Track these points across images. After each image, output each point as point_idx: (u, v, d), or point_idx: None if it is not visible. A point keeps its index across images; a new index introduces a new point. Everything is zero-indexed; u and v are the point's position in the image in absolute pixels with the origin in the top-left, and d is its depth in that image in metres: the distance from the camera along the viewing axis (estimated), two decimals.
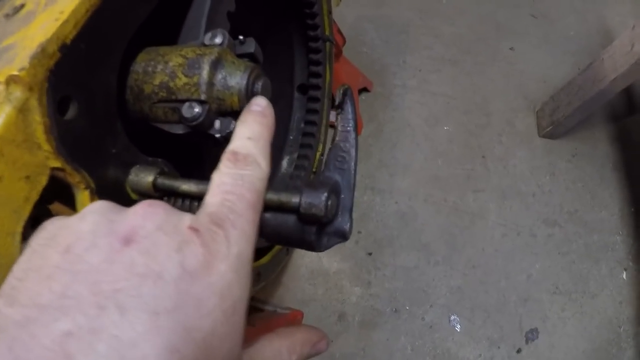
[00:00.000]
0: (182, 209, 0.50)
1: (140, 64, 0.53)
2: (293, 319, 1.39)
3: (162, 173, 0.52)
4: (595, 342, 1.60)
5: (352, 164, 0.49)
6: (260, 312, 1.37)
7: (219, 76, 0.50)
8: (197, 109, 0.49)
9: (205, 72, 0.49)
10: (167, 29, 0.59)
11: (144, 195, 0.52)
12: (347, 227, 0.47)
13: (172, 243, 0.32)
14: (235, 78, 0.50)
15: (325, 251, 0.49)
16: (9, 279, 0.32)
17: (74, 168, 0.44)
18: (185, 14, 0.60)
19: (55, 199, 0.46)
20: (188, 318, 0.30)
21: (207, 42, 0.53)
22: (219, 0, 0.62)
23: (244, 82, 0.50)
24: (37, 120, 0.40)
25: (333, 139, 0.52)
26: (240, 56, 0.55)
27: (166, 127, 0.53)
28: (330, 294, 1.63)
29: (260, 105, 0.47)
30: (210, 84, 0.49)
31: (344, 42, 1.84)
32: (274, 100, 0.51)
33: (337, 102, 0.52)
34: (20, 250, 0.40)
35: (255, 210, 0.39)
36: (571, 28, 2.38)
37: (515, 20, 2.38)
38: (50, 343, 0.27)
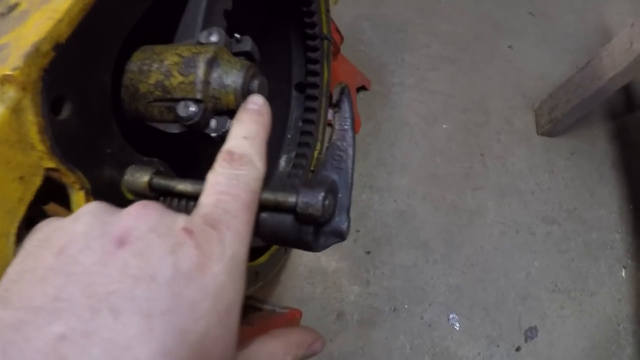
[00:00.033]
0: (178, 209, 0.50)
1: (135, 62, 0.53)
2: (292, 318, 1.39)
3: (157, 173, 0.51)
4: (595, 339, 1.60)
5: (350, 162, 0.49)
6: (259, 312, 1.37)
7: (215, 75, 0.49)
8: (192, 108, 0.48)
9: (201, 71, 0.49)
10: (163, 27, 0.58)
11: (140, 195, 0.52)
12: (344, 226, 0.46)
13: (166, 245, 0.32)
14: (231, 77, 0.49)
15: (324, 250, 0.49)
16: (3, 281, 0.32)
17: (69, 168, 0.44)
18: (181, 12, 0.60)
19: (50, 199, 0.46)
20: (182, 320, 0.30)
21: (203, 40, 0.53)
22: None
23: (240, 80, 0.49)
24: (31, 120, 0.40)
25: (330, 138, 0.51)
26: (236, 54, 0.54)
27: (162, 127, 0.53)
28: (329, 292, 1.62)
29: (256, 103, 0.47)
30: (206, 82, 0.49)
31: (342, 40, 1.84)
32: (271, 99, 0.50)
33: (334, 101, 0.52)
34: (15, 252, 0.40)
35: (251, 210, 0.38)
36: (570, 26, 2.38)
37: (514, 18, 2.38)
38: (44, 346, 0.27)
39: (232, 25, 0.63)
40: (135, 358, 0.27)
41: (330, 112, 0.56)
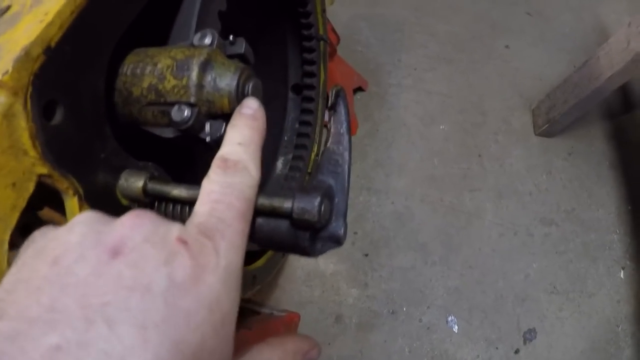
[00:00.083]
0: (173, 214, 0.50)
1: (128, 66, 0.52)
2: (289, 322, 1.39)
3: (152, 178, 0.51)
4: (594, 341, 1.60)
5: (346, 167, 0.48)
6: (257, 315, 1.36)
7: (209, 78, 0.49)
8: (186, 112, 0.48)
9: (194, 74, 0.48)
10: (156, 29, 0.58)
11: (134, 200, 0.51)
12: (341, 232, 0.46)
13: (160, 255, 0.32)
14: (225, 80, 0.49)
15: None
16: None
17: (62, 174, 0.43)
18: (175, 14, 0.60)
19: (44, 204, 0.45)
20: (176, 332, 0.29)
21: (196, 42, 0.52)
22: None
23: (234, 83, 0.49)
24: (23, 126, 0.40)
25: (326, 142, 0.51)
26: (230, 57, 0.54)
27: (156, 131, 0.52)
28: (327, 295, 1.62)
29: (251, 107, 0.47)
30: (200, 86, 0.48)
31: (338, 41, 1.83)
32: (267, 101, 0.50)
33: (329, 104, 0.51)
34: (8, 259, 0.40)
35: (245, 219, 0.38)
36: (567, 25, 2.38)
37: (511, 18, 2.38)
38: (39, 357, 0.27)
39: (227, 26, 0.62)
40: None
41: (327, 113, 0.55)
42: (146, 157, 0.55)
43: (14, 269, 0.33)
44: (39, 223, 0.41)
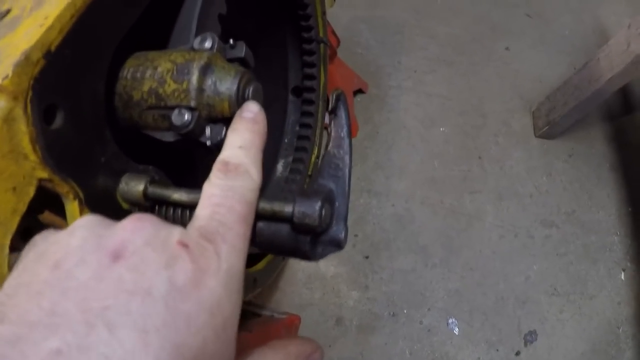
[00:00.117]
0: (174, 218, 0.50)
1: (128, 69, 0.52)
2: (290, 324, 1.38)
3: (152, 181, 0.51)
4: (594, 343, 1.59)
5: (347, 170, 0.48)
6: (257, 317, 1.36)
7: (209, 82, 0.49)
8: (186, 116, 0.48)
9: (194, 78, 0.48)
10: (156, 33, 0.58)
11: (135, 204, 0.51)
12: (342, 236, 0.46)
13: (161, 259, 0.32)
14: (225, 83, 0.49)
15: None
16: (0, 295, 0.31)
17: (62, 178, 0.43)
18: (175, 17, 0.59)
19: (45, 208, 0.45)
20: (177, 335, 0.29)
21: (196, 46, 0.52)
22: (210, 2, 0.61)
23: (235, 87, 0.49)
24: (23, 130, 0.40)
25: (327, 145, 0.51)
26: (230, 60, 0.54)
27: (157, 135, 0.52)
28: (328, 298, 1.62)
29: (252, 111, 0.47)
30: (200, 89, 0.48)
31: (339, 43, 1.83)
32: (267, 104, 0.50)
33: (330, 108, 0.51)
34: (8, 263, 0.40)
35: (246, 222, 0.38)
36: (567, 27, 2.38)
37: (511, 20, 2.38)
38: None
39: (227, 29, 0.62)
40: None
41: (327, 116, 0.55)
42: (147, 161, 0.55)
43: (15, 273, 0.33)
44: (40, 227, 0.40)
